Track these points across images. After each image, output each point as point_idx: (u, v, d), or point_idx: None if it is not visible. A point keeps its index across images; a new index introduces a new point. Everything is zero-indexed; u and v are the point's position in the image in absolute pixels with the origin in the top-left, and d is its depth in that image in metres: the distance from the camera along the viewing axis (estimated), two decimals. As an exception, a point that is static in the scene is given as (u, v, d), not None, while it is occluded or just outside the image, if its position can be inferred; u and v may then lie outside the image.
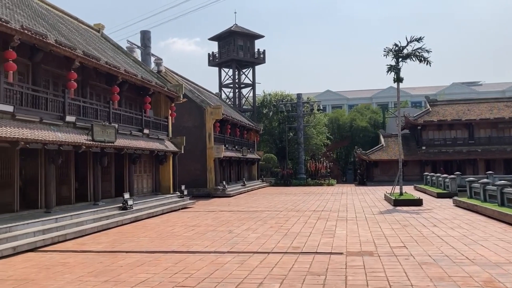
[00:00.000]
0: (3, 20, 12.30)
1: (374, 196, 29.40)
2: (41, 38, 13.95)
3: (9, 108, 13.08)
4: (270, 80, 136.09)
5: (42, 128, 14.34)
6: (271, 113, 53.79)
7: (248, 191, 36.36)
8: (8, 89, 13.32)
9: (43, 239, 12.49)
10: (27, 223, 12.86)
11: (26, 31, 13.18)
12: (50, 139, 14.18)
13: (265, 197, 30.22)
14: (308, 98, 55.06)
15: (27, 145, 13.52)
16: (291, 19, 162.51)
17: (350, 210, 20.55)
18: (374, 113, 63.09)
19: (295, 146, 49.60)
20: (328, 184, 44.56)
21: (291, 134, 51.07)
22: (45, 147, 14.53)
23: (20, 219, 13.32)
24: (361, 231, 14.16)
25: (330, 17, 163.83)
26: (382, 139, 49.46)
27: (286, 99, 53.31)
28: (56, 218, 14.18)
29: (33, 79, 15.34)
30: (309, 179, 45.91)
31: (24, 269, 9.61)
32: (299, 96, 49.54)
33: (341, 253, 10.56)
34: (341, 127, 59.24)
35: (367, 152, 47.44)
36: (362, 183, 47.32)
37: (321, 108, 53.77)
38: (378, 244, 11.68)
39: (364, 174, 48.39)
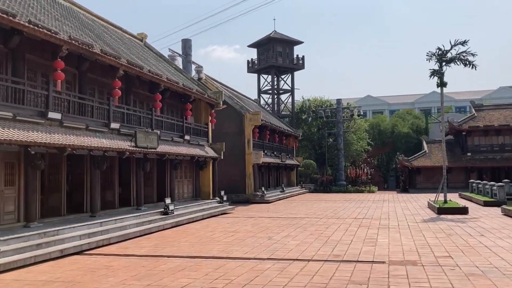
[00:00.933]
0: (52, 31, 12.85)
1: (417, 203, 28.63)
2: (87, 47, 14.47)
3: (57, 116, 13.62)
4: (309, 85, 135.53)
5: (88, 135, 14.84)
6: (310, 119, 53.50)
7: (287, 198, 36.19)
8: (57, 97, 13.89)
9: (88, 243, 12.87)
10: (74, 227, 13.31)
11: (73, 41, 13.71)
12: (96, 146, 14.65)
13: (304, 203, 30.01)
14: (348, 104, 54.45)
15: (74, 151, 14.02)
16: (331, 24, 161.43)
17: (392, 218, 20.10)
18: (417, 118, 61.63)
19: (335, 152, 49.07)
20: (369, 191, 43.78)
21: (330, 140, 50.59)
22: (91, 153, 15.02)
23: (67, 222, 13.81)
24: (403, 239, 13.82)
25: (370, 21, 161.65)
26: (425, 145, 48.21)
27: (325, 105, 52.92)
28: (101, 222, 14.59)
29: (80, 88, 15.92)
30: (349, 185, 45.26)
31: (70, 272, 9.94)
32: (338, 101, 49.07)
33: (383, 262, 10.34)
34: (382, 133, 58.17)
35: (409, 158, 46.34)
36: (404, 190, 46.23)
37: (362, 113, 53.03)
38: (421, 253, 11.35)
39: (406, 181, 47.28)
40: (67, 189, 15.71)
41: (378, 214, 22.10)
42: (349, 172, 46.99)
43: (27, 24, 11.91)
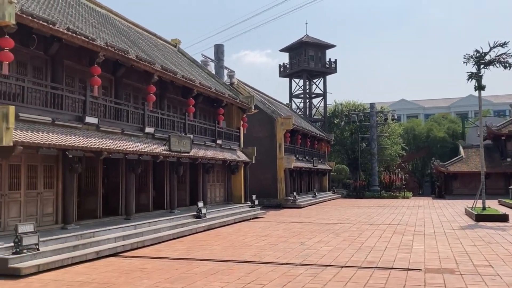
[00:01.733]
0: (90, 38, 13.22)
1: (454, 210, 27.86)
2: (123, 54, 14.82)
3: (94, 120, 13.98)
4: (342, 89, 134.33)
5: (124, 139, 15.16)
6: (342, 123, 52.99)
7: (318, 203, 35.88)
8: (94, 102, 14.26)
9: (123, 245, 13.11)
10: (109, 229, 13.60)
11: (109, 48, 14.06)
12: (131, 149, 14.96)
13: (337, 209, 29.67)
14: (381, 108, 53.66)
15: (110, 155, 14.36)
16: (364, 27, 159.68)
17: (427, 225, 19.62)
18: (453, 122, 60.10)
19: (368, 157, 48.38)
20: (403, 197, 42.91)
21: (363, 144, 49.93)
22: (126, 157, 15.34)
23: (102, 225, 14.13)
24: (440, 246, 13.45)
25: (404, 23, 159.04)
26: (461, 150, 46.90)
27: (358, 109, 52.33)
28: (135, 225, 14.86)
29: (116, 93, 16.30)
30: (383, 191, 44.50)
31: (106, 273, 10.14)
32: (372, 105, 48.41)
33: (419, 270, 10.08)
34: (417, 138, 56.98)
35: (445, 163, 45.18)
36: (440, 196, 45.08)
37: (396, 117, 52.03)
38: (459, 262, 11.02)
39: (442, 187, 46.08)
40: (103, 192, 16.10)
41: (413, 220, 21.62)
42: (383, 178, 46.20)
43: (66, 31, 12.29)
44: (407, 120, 72.71)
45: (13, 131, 10.50)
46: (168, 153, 17.23)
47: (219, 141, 22.85)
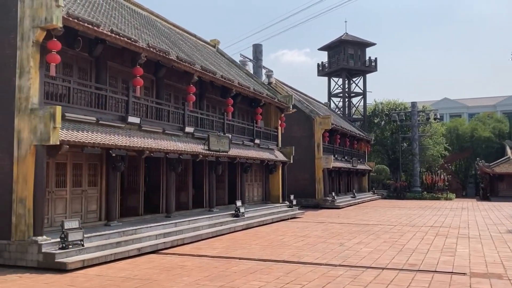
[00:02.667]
0: (132, 39, 13.55)
1: (500, 213, 26.81)
2: (164, 54, 15.10)
3: (136, 120, 14.32)
4: (382, 88, 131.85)
5: (164, 138, 15.45)
6: (383, 123, 52.03)
7: (358, 203, 35.37)
8: (136, 102, 14.61)
9: (164, 242, 13.37)
10: (150, 227, 13.90)
11: (151, 49, 14.36)
12: (172, 149, 15.23)
13: (377, 210, 29.17)
14: (423, 107, 52.33)
15: (151, 154, 14.65)
16: (405, 25, 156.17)
17: (472, 227, 18.97)
18: (499, 122, 57.80)
19: (409, 157, 47.27)
20: (446, 198, 41.66)
21: (404, 144, 48.82)
22: (167, 156, 15.62)
23: (144, 222, 14.46)
24: (486, 250, 12.98)
25: (447, 20, 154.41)
26: (508, 151, 45.08)
27: (399, 108, 51.22)
28: (176, 223, 15.11)
29: (157, 93, 16.63)
30: (425, 192, 43.35)
31: (147, 270, 10.37)
32: (413, 104, 47.25)
33: (464, 274, 9.77)
34: (461, 137, 55.16)
35: (490, 164, 43.53)
36: (485, 198, 43.52)
37: (438, 117, 50.55)
38: (507, 266, 10.59)
39: (487, 189, 44.45)
40: (144, 190, 16.47)
41: (456, 222, 20.97)
42: (425, 178, 45.01)
43: (109, 33, 12.64)
44: (450, 119, 70.46)
45: (60, 130, 10.90)
46: (207, 152, 17.42)
47: (257, 141, 22.91)
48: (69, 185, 12.86)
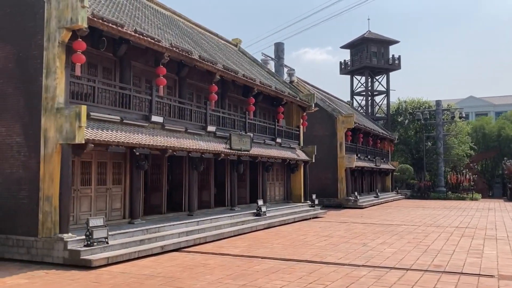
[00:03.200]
0: (155, 39, 13.68)
1: (529, 214, 26.14)
2: (187, 54, 15.20)
3: (160, 119, 14.47)
4: (406, 86, 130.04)
5: (187, 137, 15.57)
6: (406, 122, 51.33)
7: (381, 203, 34.95)
8: (159, 101, 14.75)
9: (186, 240, 13.47)
10: (173, 225, 14.02)
11: (174, 48, 14.47)
12: (194, 148, 15.33)
13: (400, 210, 28.77)
14: (448, 105, 51.42)
15: (174, 153, 14.78)
16: (429, 22, 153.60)
17: (500, 229, 18.55)
18: (527, 120, 56.33)
19: (434, 156, 46.49)
20: (472, 199, 40.83)
21: (429, 143, 48.05)
22: (189, 154, 15.73)
23: (166, 220, 14.60)
24: (514, 253, 12.67)
25: (472, 16, 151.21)
26: (537, 150, 43.89)
27: (423, 106, 50.46)
28: (198, 221, 15.20)
29: (180, 92, 16.76)
30: (449, 192, 42.56)
31: (170, 267, 10.46)
32: (438, 103, 46.43)
33: (492, 276, 9.55)
34: (487, 137, 53.96)
35: (518, 164, 42.47)
36: (512, 198, 42.48)
37: (464, 115, 49.58)
38: (537, 269, 10.32)
39: (514, 189, 43.37)
40: (167, 189, 16.62)
41: (483, 223, 20.53)
42: (449, 178, 44.20)
43: (133, 33, 12.79)
44: (476, 118, 69.06)
45: (85, 129, 11.07)
46: (229, 151, 17.47)
47: (278, 140, 22.87)
48: (94, 183, 13.08)
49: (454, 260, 11.39)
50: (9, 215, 11.13)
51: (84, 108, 10.96)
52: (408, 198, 42.97)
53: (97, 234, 11.01)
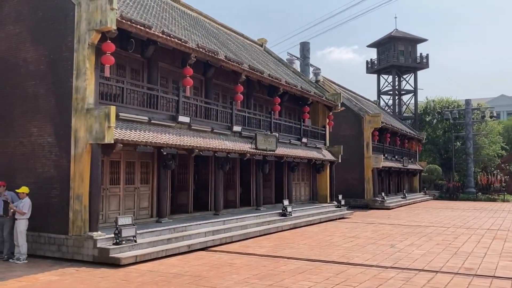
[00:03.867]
0: (182, 40, 13.81)
1: None
2: (213, 54, 15.29)
3: (186, 119, 14.60)
4: (434, 85, 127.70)
5: (213, 137, 15.67)
6: (435, 121, 50.35)
7: (408, 204, 34.41)
8: (185, 102, 14.89)
9: (213, 240, 13.55)
10: (199, 224, 14.13)
11: (200, 49, 14.58)
12: (220, 147, 15.42)
13: (429, 211, 28.26)
14: (478, 104, 50.19)
15: (201, 153, 14.90)
16: (458, 20, 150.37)
17: (533, 231, 18.02)
18: (563, 119, 54.56)
19: (463, 156, 45.44)
20: (503, 200, 39.74)
21: (458, 143, 47.00)
22: (215, 154, 15.83)
23: (193, 220, 14.73)
24: (549, 256, 12.28)
25: (503, 13, 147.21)
26: None
27: (452, 106, 49.45)
28: (224, 221, 15.28)
29: (206, 93, 16.89)
30: (479, 193, 41.53)
31: (197, 266, 10.55)
32: (467, 102, 45.39)
33: (526, 280, 9.28)
34: (519, 136, 52.50)
35: (553, 165, 41.13)
36: (546, 200, 41.14)
37: (494, 115, 48.31)
38: None
39: (549, 191, 42.04)
40: (194, 188, 16.77)
41: (515, 226, 19.97)
42: (479, 179, 43.14)
43: (160, 35, 12.94)
44: (508, 117, 67.30)
45: (114, 129, 11.25)
46: (255, 151, 17.50)
47: (304, 140, 22.77)
48: (123, 182, 13.30)
49: (486, 263, 11.12)
50: (41, 213, 11.41)
51: (113, 109, 11.14)
52: (436, 199, 42.10)
53: (125, 232, 11.19)
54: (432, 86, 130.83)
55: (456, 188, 42.91)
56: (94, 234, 10.99)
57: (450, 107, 48.96)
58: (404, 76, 51.95)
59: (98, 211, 11.48)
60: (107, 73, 11.83)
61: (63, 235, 11.26)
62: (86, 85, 11.30)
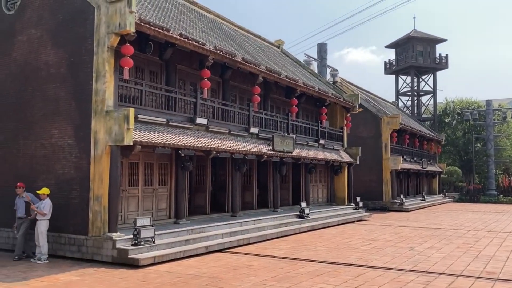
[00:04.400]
0: (200, 42, 13.89)
1: None
2: (230, 56, 15.34)
3: (204, 121, 14.68)
4: (454, 86, 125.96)
5: (230, 139, 15.71)
6: (454, 122, 49.79)
7: (428, 206, 34.04)
8: (203, 104, 14.97)
9: (230, 241, 13.57)
10: (217, 225, 14.18)
11: (218, 51, 14.64)
12: (237, 149, 15.45)
13: (448, 213, 27.89)
14: (499, 105, 49.36)
15: (218, 154, 14.96)
16: (478, 19, 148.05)
17: (557, 235, 17.60)
18: None
19: (484, 158, 44.72)
20: (526, 203, 38.97)
21: (478, 145, 46.29)
22: (232, 156, 15.87)
23: (211, 221, 14.79)
24: None
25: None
26: None
27: (472, 106, 48.89)
28: (241, 222, 15.31)
29: (223, 95, 16.96)
30: (501, 196, 40.80)
31: (215, 268, 10.57)
32: (488, 102, 44.65)
33: (550, 285, 9.06)
34: (542, 137, 51.43)
35: None
36: None
37: (516, 115, 47.49)
38: None
39: None
40: (211, 190, 16.84)
41: (539, 229, 19.54)
42: (501, 181, 42.39)
43: (178, 37, 13.03)
44: (530, 118, 65.96)
45: (133, 131, 11.37)
46: (272, 152, 17.49)
47: (321, 141, 22.68)
48: (141, 184, 13.43)
49: (509, 267, 10.90)
50: (61, 214, 11.58)
51: (132, 111, 11.24)
52: (456, 201, 41.56)
53: (144, 233, 11.28)
54: (452, 87, 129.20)
55: (476, 190, 42.26)
56: (113, 235, 11.11)
57: (470, 108, 48.37)
58: (423, 77, 51.53)
59: (117, 212, 11.59)
60: (126, 76, 11.96)
61: (82, 235, 11.40)
62: (106, 88, 11.43)
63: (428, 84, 51.32)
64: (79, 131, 11.77)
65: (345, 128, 25.88)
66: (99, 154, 11.41)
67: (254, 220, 16.04)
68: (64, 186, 11.86)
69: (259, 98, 17.52)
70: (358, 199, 24.92)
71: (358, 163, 25.69)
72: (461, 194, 43.75)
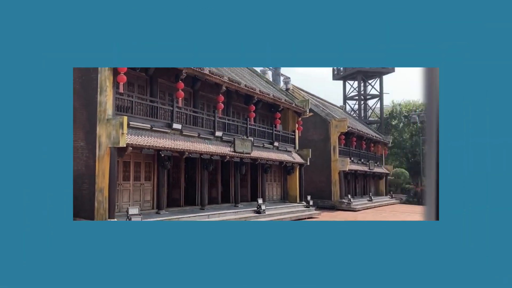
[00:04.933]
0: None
1: None
2: (200, 70, 19.98)
3: (179, 126, 19.21)
4: (401, 89, 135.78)
5: (199, 142, 20.31)
6: (401, 125, 55.16)
7: (375, 207, 37.60)
8: (178, 111, 19.52)
9: (204, 228, 18.17)
10: (189, 216, 18.70)
11: (190, 66, 19.26)
12: (205, 150, 20.06)
13: (396, 214, 30.76)
14: (445, 108, 55.86)
15: (190, 155, 19.52)
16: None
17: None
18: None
19: (431, 160, 50.55)
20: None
21: (426, 147, 52.25)
22: (201, 156, 20.47)
23: (184, 212, 19.31)
24: None
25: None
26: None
27: (420, 109, 53.93)
28: (208, 215, 19.85)
29: (194, 103, 21.54)
30: (447, 197, 46.63)
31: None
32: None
33: None
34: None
35: None
36: None
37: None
38: None
39: None
40: (185, 185, 21.42)
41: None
42: (448, 183, 48.24)
43: (161, 57, 17.54)
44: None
45: (126, 135, 15.75)
46: (233, 153, 22.09)
47: (276, 143, 27.32)
48: (132, 179, 17.84)
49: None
50: (75, 203, 15.77)
51: (125, 119, 15.60)
52: (403, 203, 45.45)
53: (134, 220, 15.71)
54: (400, 90, 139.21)
55: (424, 192, 47.72)
56: (112, 220, 15.46)
57: (417, 110, 54.12)
58: (370, 81, 56.64)
59: (115, 202, 15.94)
60: (121, 90, 16.35)
61: (90, 220, 15.68)
62: (107, 100, 15.81)
63: (374, 88, 56.60)
64: (88, 136, 16.06)
65: (296, 131, 30.23)
66: (102, 154, 15.75)
67: (219, 213, 20.55)
68: (78, 180, 16.11)
69: (222, 105, 22.16)
70: (308, 197, 28.90)
71: (308, 164, 29.96)
72: (409, 196, 48.40)
